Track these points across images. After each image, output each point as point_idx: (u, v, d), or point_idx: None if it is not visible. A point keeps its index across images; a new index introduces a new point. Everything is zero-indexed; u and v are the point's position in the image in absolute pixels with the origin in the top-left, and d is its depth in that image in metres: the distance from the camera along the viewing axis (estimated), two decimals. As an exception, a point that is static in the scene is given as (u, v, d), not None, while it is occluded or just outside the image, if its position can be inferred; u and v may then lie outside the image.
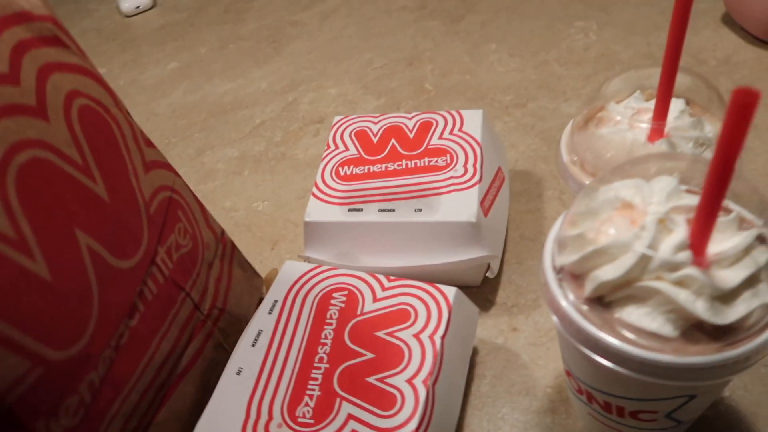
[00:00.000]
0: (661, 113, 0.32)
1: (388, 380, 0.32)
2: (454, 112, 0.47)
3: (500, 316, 0.43)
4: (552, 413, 0.37)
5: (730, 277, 0.23)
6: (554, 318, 0.26)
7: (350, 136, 0.47)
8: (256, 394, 0.33)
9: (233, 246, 0.44)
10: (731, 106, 0.19)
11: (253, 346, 0.35)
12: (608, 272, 0.24)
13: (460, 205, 0.40)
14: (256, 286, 0.46)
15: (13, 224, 0.24)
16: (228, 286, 0.41)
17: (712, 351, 0.23)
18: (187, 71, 0.79)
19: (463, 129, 0.45)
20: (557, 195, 0.50)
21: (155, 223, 0.34)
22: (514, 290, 0.44)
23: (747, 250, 0.23)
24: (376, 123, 0.48)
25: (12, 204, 0.24)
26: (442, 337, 0.34)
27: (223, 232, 0.43)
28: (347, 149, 0.46)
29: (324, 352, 0.34)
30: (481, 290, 0.44)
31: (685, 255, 0.23)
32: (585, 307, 0.25)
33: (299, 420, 0.31)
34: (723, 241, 0.23)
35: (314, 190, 0.44)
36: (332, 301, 0.37)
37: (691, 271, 0.23)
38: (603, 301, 0.25)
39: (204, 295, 0.38)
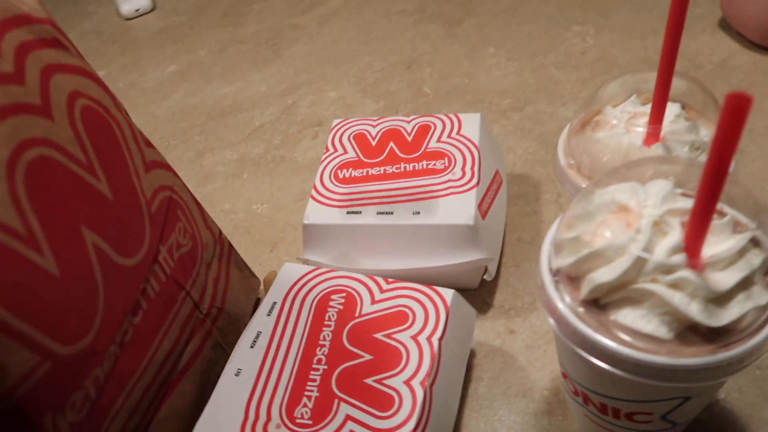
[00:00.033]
0: (657, 117, 0.32)
1: (386, 381, 0.33)
2: (452, 116, 0.47)
3: (497, 319, 0.43)
4: (549, 415, 0.37)
5: (724, 279, 0.23)
6: (550, 320, 0.26)
7: (349, 139, 0.47)
8: (255, 395, 0.33)
9: (230, 246, 0.44)
10: (724, 110, 0.19)
11: (252, 347, 0.35)
12: (604, 275, 0.24)
13: (458, 208, 0.41)
14: (252, 287, 0.46)
15: (22, 220, 0.24)
16: (226, 286, 0.41)
17: (707, 353, 0.23)
18: (186, 74, 0.79)
19: (461, 132, 0.45)
20: (555, 198, 0.51)
21: (157, 222, 0.34)
22: (512, 293, 0.44)
23: (741, 253, 0.24)
24: (374, 126, 0.48)
25: (21, 201, 0.24)
26: (440, 339, 0.34)
27: (220, 232, 0.43)
28: (346, 152, 0.46)
29: (322, 354, 0.34)
30: (478, 293, 0.45)
31: (680, 258, 0.23)
32: (581, 309, 0.25)
33: (297, 421, 0.31)
34: (717, 244, 0.24)
35: (313, 192, 0.44)
36: (331, 303, 0.37)
37: (685, 273, 0.23)
38: (599, 303, 0.25)
39: (203, 295, 0.38)
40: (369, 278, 0.38)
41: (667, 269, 0.23)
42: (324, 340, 0.35)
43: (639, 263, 0.23)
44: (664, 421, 0.29)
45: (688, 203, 0.24)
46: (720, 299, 0.23)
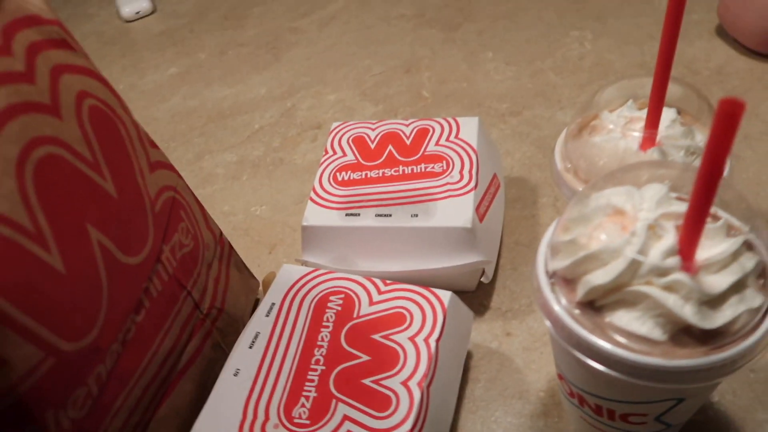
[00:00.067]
0: (653, 122, 0.33)
1: (383, 382, 0.33)
2: (450, 119, 0.47)
3: (494, 321, 0.43)
4: (545, 417, 0.38)
5: (718, 282, 0.23)
6: (547, 322, 0.26)
7: (348, 141, 0.48)
8: (253, 395, 0.33)
9: (231, 247, 0.44)
10: (718, 115, 0.19)
11: (250, 347, 0.36)
12: (599, 277, 0.24)
13: (456, 211, 0.41)
14: (251, 288, 0.46)
15: (31, 217, 0.24)
16: (226, 287, 0.42)
17: (700, 354, 0.23)
18: (186, 76, 0.79)
19: (460, 136, 0.46)
20: (552, 202, 0.51)
21: (160, 221, 0.35)
22: (509, 295, 0.45)
23: (734, 256, 0.24)
24: (373, 129, 0.48)
25: (30, 198, 0.24)
26: (437, 341, 0.34)
27: (221, 233, 0.43)
28: (345, 155, 0.47)
29: (320, 354, 0.35)
30: (475, 295, 0.45)
31: (674, 260, 0.23)
32: (577, 311, 0.25)
33: (295, 421, 0.32)
34: (711, 247, 0.24)
35: (312, 194, 0.45)
36: (329, 305, 0.37)
37: (679, 276, 0.23)
38: (594, 305, 0.25)
39: (204, 295, 0.39)
40: (367, 280, 0.38)
41: (662, 272, 0.23)
42: (322, 340, 0.35)
43: (634, 266, 0.24)
44: (659, 423, 0.29)
45: (682, 207, 0.24)
46: (713, 302, 0.23)
